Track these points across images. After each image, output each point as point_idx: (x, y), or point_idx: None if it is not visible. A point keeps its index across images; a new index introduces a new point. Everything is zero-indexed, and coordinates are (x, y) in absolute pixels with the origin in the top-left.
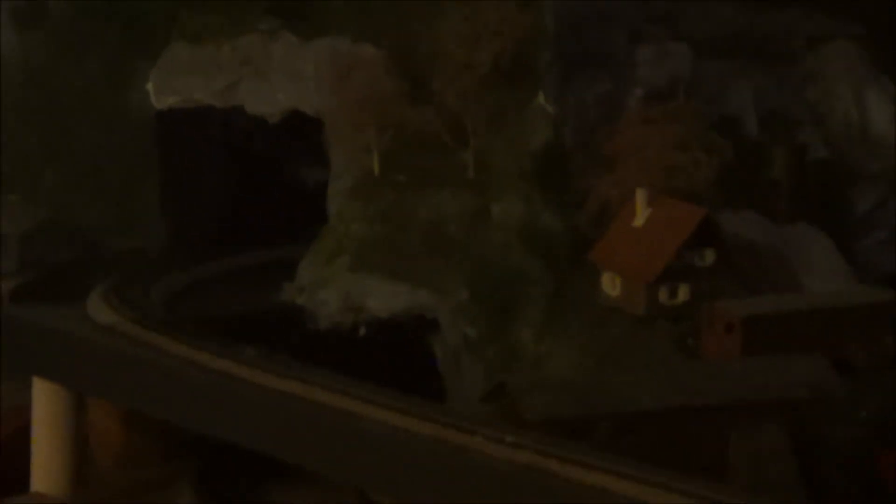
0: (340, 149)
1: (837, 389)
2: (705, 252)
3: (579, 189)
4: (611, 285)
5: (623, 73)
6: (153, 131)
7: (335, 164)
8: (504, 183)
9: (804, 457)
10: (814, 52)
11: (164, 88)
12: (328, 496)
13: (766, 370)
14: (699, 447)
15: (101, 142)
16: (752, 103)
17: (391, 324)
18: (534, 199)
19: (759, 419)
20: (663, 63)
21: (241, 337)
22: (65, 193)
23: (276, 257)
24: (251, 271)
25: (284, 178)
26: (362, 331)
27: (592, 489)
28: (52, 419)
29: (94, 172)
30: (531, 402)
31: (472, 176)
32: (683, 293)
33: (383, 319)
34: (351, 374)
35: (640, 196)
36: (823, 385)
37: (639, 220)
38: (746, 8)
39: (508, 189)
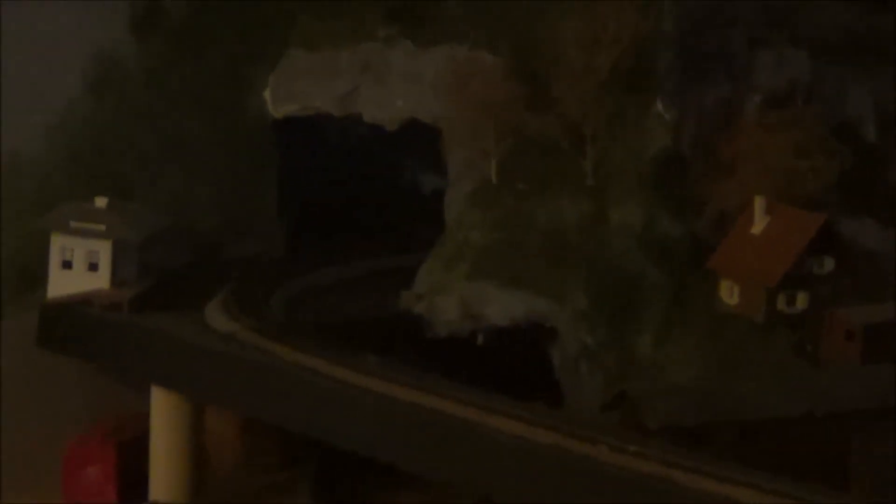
0: (458, 155)
1: None
2: (824, 259)
3: (698, 195)
4: (729, 292)
5: (742, 78)
6: (271, 137)
7: (453, 171)
8: (623, 189)
9: None
10: None
11: (282, 95)
12: (441, 500)
13: (886, 377)
14: (821, 454)
15: (219, 147)
16: (871, 107)
17: (510, 332)
18: (653, 206)
19: (880, 426)
20: (782, 68)
21: (359, 345)
22: (183, 199)
23: (394, 265)
24: (369, 278)
25: (402, 185)
26: (480, 339)
27: (716, 498)
28: (170, 427)
29: (213, 178)
30: (653, 409)
31: (591, 182)
32: (802, 300)
33: (502, 327)
34: (469, 382)
35: (759, 203)
36: None
37: (757, 228)
38: (864, 10)
39: (627, 195)
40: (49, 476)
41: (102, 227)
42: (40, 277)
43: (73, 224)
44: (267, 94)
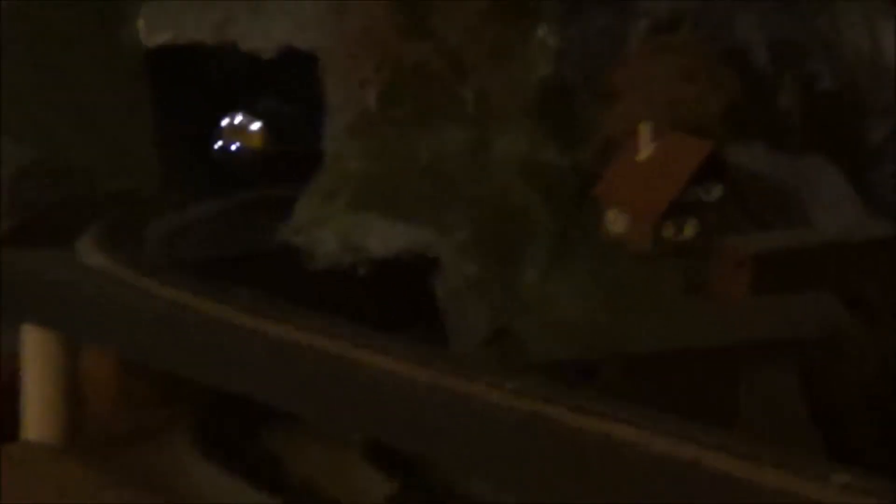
0: (337, 85)
1: (850, 328)
2: (712, 186)
3: (583, 124)
4: (615, 222)
5: (627, 5)
6: (145, 68)
7: (331, 102)
8: (505, 118)
9: (816, 398)
10: None
11: (156, 24)
12: (330, 442)
13: (777, 309)
14: (708, 390)
15: (91, 80)
16: (760, 33)
17: (391, 263)
18: (536, 135)
19: (770, 360)
20: None
21: (237, 278)
22: (56, 133)
23: (272, 196)
24: (247, 211)
25: (279, 115)
26: (361, 271)
27: (597, 436)
28: (42, 366)
29: (86, 111)
30: (535, 345)
31: (473, 112)
32: (690, 229)
33: (384, 259)
34: (350, 315)
35: (644, 130)
36: (836, 324)
37: (643, 155)
38: None
39: (510, 125)
40: None
41: None
42: None
43: None
44: (140, 24)
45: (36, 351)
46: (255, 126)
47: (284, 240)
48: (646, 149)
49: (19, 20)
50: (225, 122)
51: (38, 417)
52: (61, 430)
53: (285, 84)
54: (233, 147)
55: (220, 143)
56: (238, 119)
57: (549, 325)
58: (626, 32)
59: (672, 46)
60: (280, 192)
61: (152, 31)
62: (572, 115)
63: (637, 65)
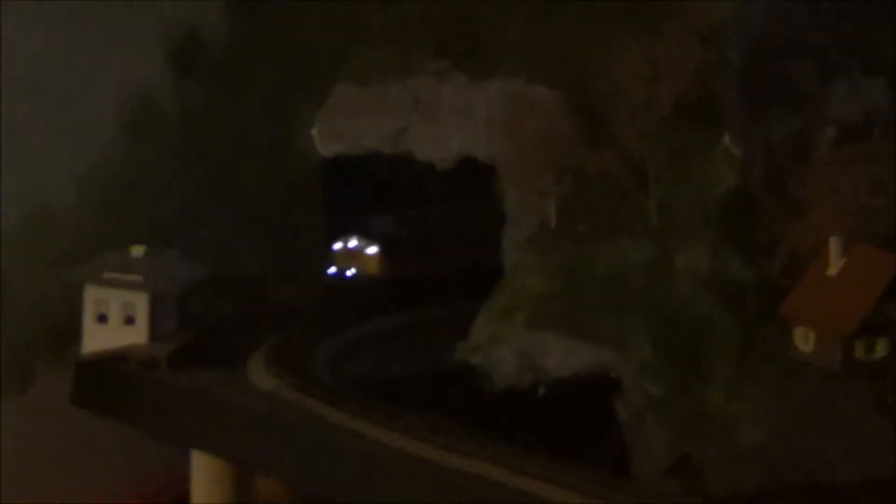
0: (515, 196)
1: None
2: None
3: (769, 236)
4: (804, 340)
5: (814, 111)
6: (320, 177)
7: (510, 213)
8: (689, 230)
9: None
10: None
11: (330, 133)
12: None
13: None
14: None
15: (264, 190)
16: None
17: (572, 383)
18: (721, 248)
19: None
20: (858, 98)
21: (411, 400)
22: (227, 246)
23: (450, 313)
24: (423, 328)
25: (457, 228)
26: (541, 391)
27: None
28: (211, 491)
29: (258, 223)
30: (717, 475)
31: (655, 223)
32: (882, 348)
33: (563, 379)
34: (529, 438)
35: (834, 244)
36: None
37: (833, 270)
38: None
39: (693, 237)
40: None
41: (139, 278)
42: (75, 332)
43: (108, 275)
44: (315, 133)
45: (204, 475)
46: (371, 250)
47: (461, 359)
48: (835, 263)
49: (187, 130)
50: (338, 245)
51: None
52: None
53: (464, 195)
54: (348, 273)
55: (333, 268)
56: (353, 243)
57: (731, 452)
58: (814, 140)
59: (861, 154)
60: (457, 308)
61: (327, 140)
62: (757, 227)
63: (825, 174)
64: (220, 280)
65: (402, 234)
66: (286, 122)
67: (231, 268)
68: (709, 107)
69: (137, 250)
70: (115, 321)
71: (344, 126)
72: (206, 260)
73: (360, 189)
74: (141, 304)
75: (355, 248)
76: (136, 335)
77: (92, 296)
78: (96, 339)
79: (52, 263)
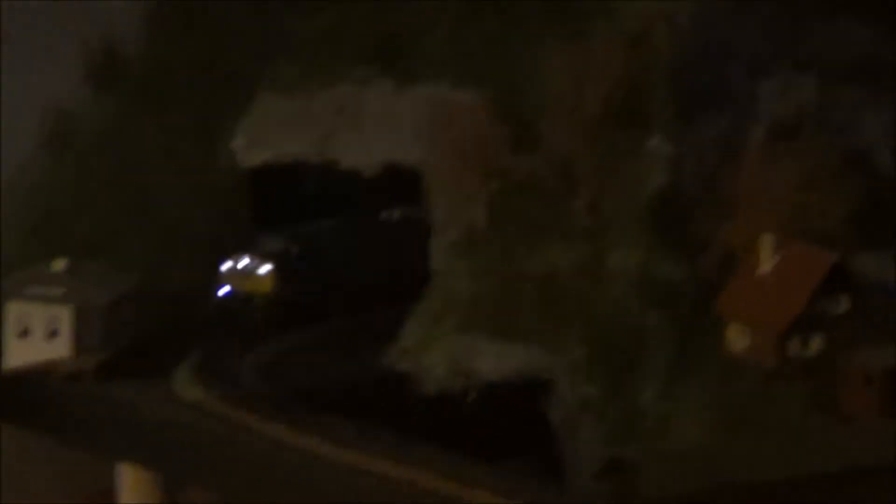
0: (443, 201)
1: None
2: (839, 298)
3: (701, 235)
4: (738, 337)
5: (744, 109)
6: (244, 188)
7: (437, 219)
8: (619, 231)
9: None
10: None
11: (255, 144)
12: None
13: None
14: None
15: (188, 203)
16: (887, 134)
17: (503, 387)
18: (652, 248)
19: None
20: (788, 96)
21: (341, 407)
22: (151, 259)
23: (379, 319)
24: (351, 335)
25: (383, 234)
26: (472, 395)
27: None
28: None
29: (182, 235)
30: (648, 476)
31: (585, 225)
32: (817, 344)
33: (495, 382)
34: (461, 442)
35: (766, 242)
36: None
37: (766, 267)
38: (878, 31)
39: (624, 238)
40: None
41: (61, 292)
42: None
43: (28, 290)
44: (237, 143)
45: (133, 489)
46: (264, 269)
47: (390, 365)
48: (768, 261)
49: (107, 144)
50: (226, 265)
51: None
52: None
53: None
54: (237, 292)
55: (223, 288)
56: (244, 262)
57: (663, 454)
58: (745, 138)
59: (792, 152)
60: (386, 314)
61: (251, 150)
62: (689, 226)
63: (756, 172)
64: (146, 293)
65: (294, 252)
66: (209, 133)
67: (156, 281)
68: (638, 107)
69: (59, 264)
70: (38, 336)
71: (268, 136)
72: (130, 273)
73: (287, 199)
74: (65, 317)
75: (246, 267)
76: (61, 349)
77: (13, 311)
78: (19, 355)
79: None
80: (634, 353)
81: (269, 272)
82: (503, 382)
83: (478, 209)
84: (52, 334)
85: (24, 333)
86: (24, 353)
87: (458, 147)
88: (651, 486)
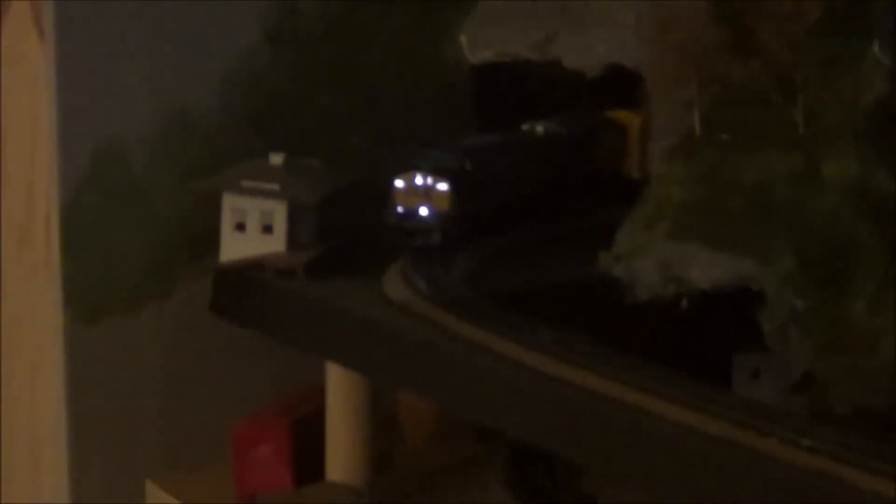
0: (662, 106)
1: None
2: None
3: None
4: None
5: None
6: (468, 86)
7: (656, 123)
8: (836, 141)
9: None
10: None
11: (479, 41)
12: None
13: None
14: None
15: (411, 100)
16: None
17: (714, 295)
18: (868, 159)
19: None
20: None
21: (551, 313)
22: (371, 156)
23: (594, 223)
24: (565, 239)
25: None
26: (685, 303)
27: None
28: (346, 404)
29: (405, 132)
30: (841, 392)
31: (801, 133)
32: None
33: (706, 290)
34: (671, 351)
35: None
36: None
37: None
38: None
39: (841, 148)
40: (217, 455)
41: (276, 187)
42: (215, 241)
43: (245, 184)
44: (463, 40)
45: (339, 387)
46: (442, 186)
47: (603, 271)
48: None
49: (329, 36)
50: (400, 182)
51: (341, 457)
52: (365, 470)
53: (612, 103)
54: (419, 211)
55: (399, 208)
56: (418, 179)
57: (853, 370)
58: None
59: None
60: (601, 218)
61: (475, 48)
62: None
63: None
64: (363, 190)
65: (468, 167)
66: (433, 30)
67: (374, 178)
68: (858, 15)
69: (276, 159)
70: (252, 230)
71: (492, 34)
72: (348, 170)
73: (509, 98)
74: (278, 212)
75: (423, 184)
76: (275, 244)
77: (229, 204)
78: (234, 248)
79: (192, 171)
80: (846, 266)
81: (448, 189)
82: (715, 291)
83: (695, 115)
84: (267, 229)
85: (240, 227)
86: (239, 247)
87: (678, 49)
88: (841, 404)
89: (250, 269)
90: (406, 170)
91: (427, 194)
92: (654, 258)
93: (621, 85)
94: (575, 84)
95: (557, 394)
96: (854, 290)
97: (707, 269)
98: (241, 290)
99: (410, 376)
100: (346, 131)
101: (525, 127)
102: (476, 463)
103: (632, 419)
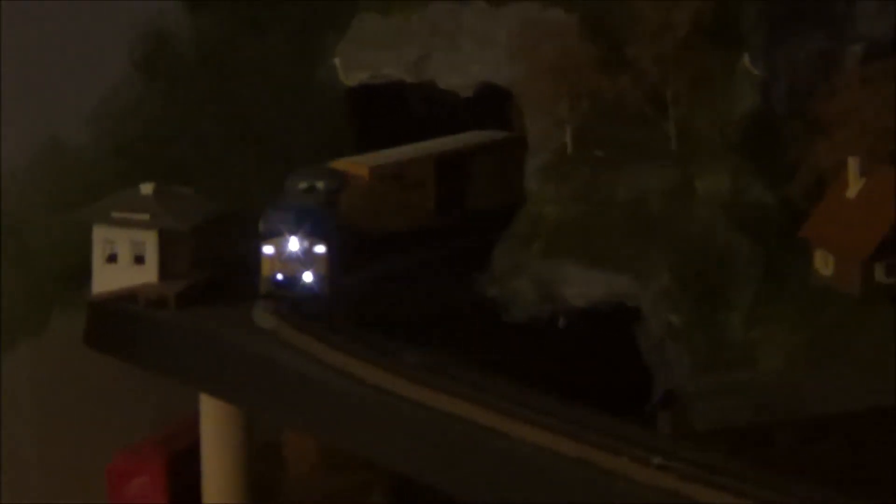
0: (534, 124)
1: None
2: None
3: (792, 159)
4: (823, 263)
5: (839, 29)
6: (344, 108)
7: (530, 141)
8: (709, 155)
9: None
10: None
11: (353, 63)
12: None
13: None
14: None
15: (287, 124)
16: None
17: (591, 313)
18: (742, 172)
19: None
20: (886, 14)
21: (428, 337)
22: (250, 183)
23: (472, 245)
24: (443, 262)
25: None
26: (562, 322)
27: None
28: (219, 434)
29: (281, 158)
30: (702, 408)
31: (675, 148)
32: None
33: (582, 309)
34: (550, 370)
35: (853, 165)
36: None
37: (852, 192)
38: None
39: (714, 161)
40: (93, 488)
41: (146, 217)
42: (89, 274)
43: (115, 214)
44: (338, 63)
45: (212, 417)
46: (321, 249)
47: (479, 292)
48: (854, 185)
49: (210, 64)
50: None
51: (216, 487)
52: (243, 501)
53: (486, 122)
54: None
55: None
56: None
57: (713, 388)
58: (839, 59)
59: (886, 72)
60: (478, 240)
61: (350, 70)
62: (779, 150)
63: (849, 94)
64: (237, 218)
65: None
66: (309, 54)
67: (250, 206)
68: (729, 27)
69: (147, 188)
70: (124, 261)
71: (366, 56)
72: (222, 198)
73: (386, 120)
74: (150, 242)
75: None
76: (147, 274)
77: (100, 236)
78: (107, 280)
79: (65, 203)
80: (721, 280)
81: (325, 252)
82: (591, 309)
83: (567, 131)
84: (139, 259)
85: (112, 258)
86: (112, 279)
87: (549, 67)
88: (701, 422)
89: (122, 301)
90: (276, 235)
91: (307, 260)
92: (530, 277)
93: (495, 104)
94: (450, 104)
95: (417, 418)
96: (729, 303)
97: (583, 286)
98: (114, 321)
99: (280, 405)
100: (222, 158)
101: (303, 185)
102: (361, 490)
103: (486, 441)
